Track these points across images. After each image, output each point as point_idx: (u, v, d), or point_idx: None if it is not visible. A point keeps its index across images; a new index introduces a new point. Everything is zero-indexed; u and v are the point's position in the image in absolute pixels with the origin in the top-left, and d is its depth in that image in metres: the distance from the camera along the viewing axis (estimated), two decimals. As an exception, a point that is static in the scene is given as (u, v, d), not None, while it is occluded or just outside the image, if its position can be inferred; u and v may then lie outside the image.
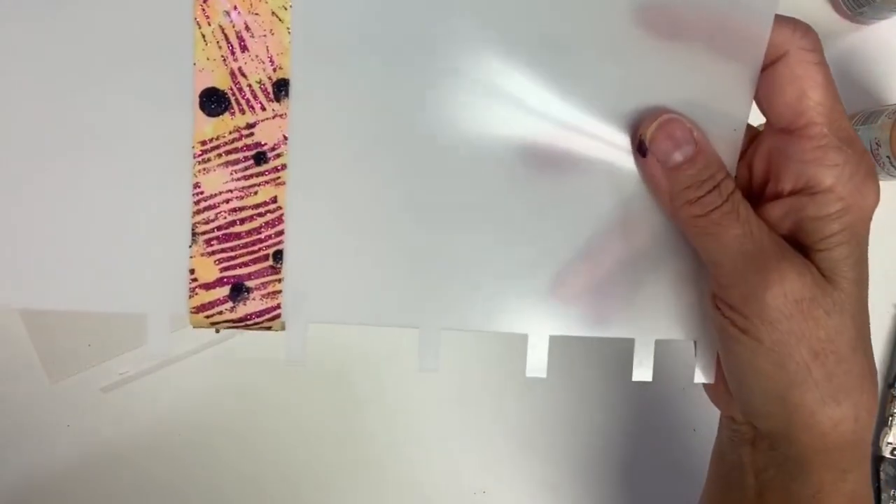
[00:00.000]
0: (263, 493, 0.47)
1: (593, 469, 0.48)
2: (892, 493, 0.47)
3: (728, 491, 0.30)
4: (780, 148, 0.26)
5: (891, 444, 0.47)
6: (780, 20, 0.25)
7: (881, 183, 0.26)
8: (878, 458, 0.47)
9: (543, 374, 0.28)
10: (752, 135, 0.28)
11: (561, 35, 0.26)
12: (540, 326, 0.28)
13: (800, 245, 0.26)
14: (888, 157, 0.43)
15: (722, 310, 0.26)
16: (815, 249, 0.25)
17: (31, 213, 0.26)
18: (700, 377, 0.29)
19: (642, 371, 0.29)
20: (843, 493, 0.26)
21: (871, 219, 0.26)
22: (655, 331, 0.28)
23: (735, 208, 0.25)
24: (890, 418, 0.47)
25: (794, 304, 0.25)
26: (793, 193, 0.26)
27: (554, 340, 0.28)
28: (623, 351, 0.31)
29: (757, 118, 0.27)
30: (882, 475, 0.47)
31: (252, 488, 0.47)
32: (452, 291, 0.28)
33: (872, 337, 0.26)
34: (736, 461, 0.29)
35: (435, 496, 0.47)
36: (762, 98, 0.26)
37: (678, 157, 0.25)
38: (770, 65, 0.25)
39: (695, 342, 0.29)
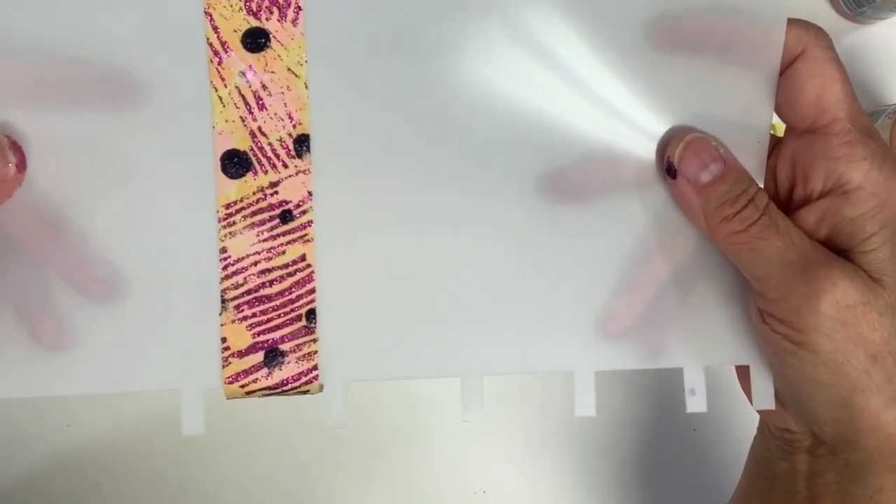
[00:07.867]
0: (262, 492, 0.46)
1: (593, 469, 0.48)
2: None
3: (770, 497, 0.30)
4: (805, 149, 0.26)
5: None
6: (791, 21, 0.25)
7: None
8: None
9: (593, 413, 0.27)
10: (773, 143, 0.28)
11: (572, 57, 0.26)
12: (586, 364, 0.27)
13: (838, 249, 0.25)
14: None
15: (772, 325, 0.26)
16: (857, 252, 0.25)
17: (52, 296, 0.25)
18: (761, 404, 0.28)
19: (695, 401, 0.28)
20: None
21: None
22: (706, 357, 0.28)
23: (773, 220, 0.25)
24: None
25: (847, 310, 0.24)
26: (823, 195, 0.25)
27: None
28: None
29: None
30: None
31: (251, 487, 0.46)
32: (491, 336, 0.27)
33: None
34: (785, 469, 0.29)
35: (435, 496, 0.47)
36: (782, 101, 0.26)
37: (708, 175, 0.25)
38: (788, 65, 0.26)
39: (748, 367, 0.28)
